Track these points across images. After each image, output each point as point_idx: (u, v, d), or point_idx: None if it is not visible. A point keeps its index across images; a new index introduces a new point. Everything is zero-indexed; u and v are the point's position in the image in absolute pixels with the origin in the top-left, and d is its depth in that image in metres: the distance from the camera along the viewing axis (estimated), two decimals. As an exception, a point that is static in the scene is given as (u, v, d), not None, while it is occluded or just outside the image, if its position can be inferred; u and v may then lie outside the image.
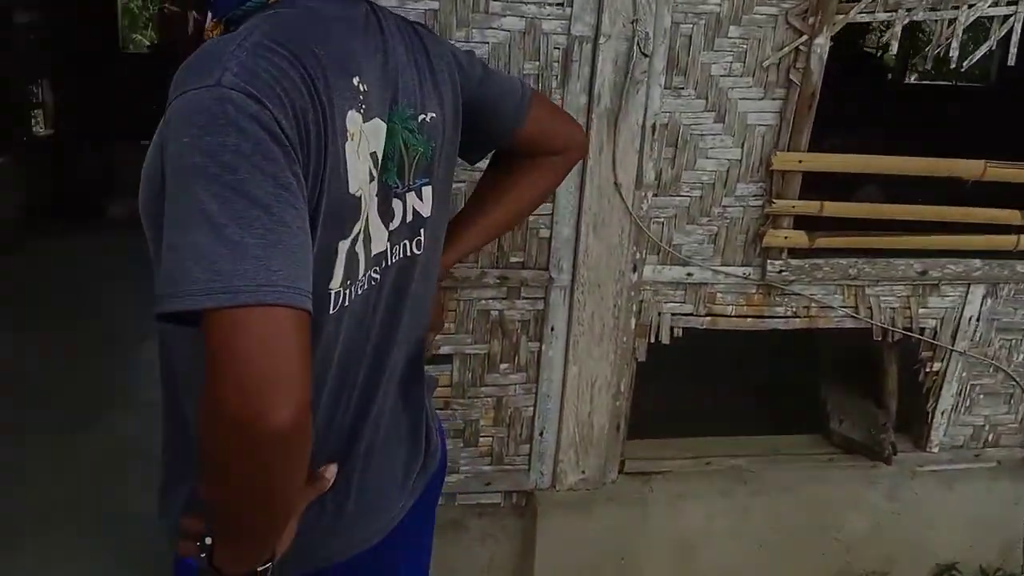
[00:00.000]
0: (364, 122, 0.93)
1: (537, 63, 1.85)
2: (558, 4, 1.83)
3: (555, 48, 1.85)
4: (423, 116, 1.06)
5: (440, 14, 1.77)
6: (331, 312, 0.96)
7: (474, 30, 1.80)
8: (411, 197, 1.07)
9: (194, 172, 0.78)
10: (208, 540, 0.91)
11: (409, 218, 1.08)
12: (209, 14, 0.98)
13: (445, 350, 2.05)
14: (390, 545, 1.17)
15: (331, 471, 1.04)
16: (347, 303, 0.99)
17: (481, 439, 2.17)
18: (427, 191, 1.09)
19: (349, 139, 0.90)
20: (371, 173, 0.96)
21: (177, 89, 0.83)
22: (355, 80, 0.93)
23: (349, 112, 0.91)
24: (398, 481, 1.18)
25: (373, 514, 1.15)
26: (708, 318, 2.15)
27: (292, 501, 0.90)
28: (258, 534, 0.88)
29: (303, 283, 0.80)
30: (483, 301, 2.03)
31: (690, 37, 1.91)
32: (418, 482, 1.23)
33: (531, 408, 2.15)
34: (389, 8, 1.09)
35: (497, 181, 1.40)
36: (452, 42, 1.50)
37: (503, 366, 2.09)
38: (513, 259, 2.01)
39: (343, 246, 0.94)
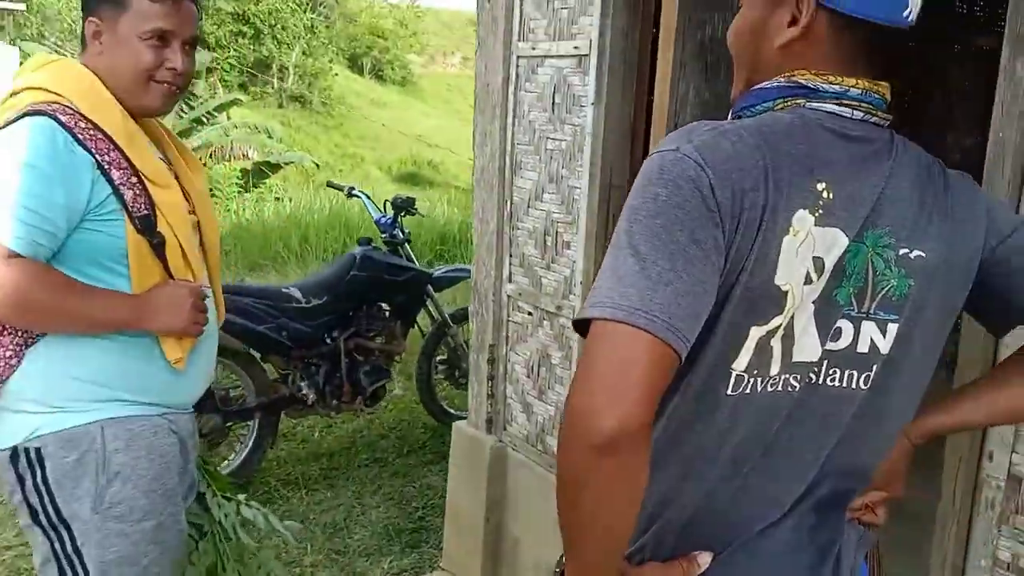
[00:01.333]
0: (815, 225, 0.95)
1: None
2: None
3: None
4: (907, 250, 1.02)
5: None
6: (728, 392, 0.99)
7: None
8: (868, 327, 1.03)
9: (629, 210, 0.92)
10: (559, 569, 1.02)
11: (861, 348, 1.03)
12: (731, 112, 1.08)
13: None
14: None
15: (704, 558, 1.03)
16: (750, 392, 0.99)
17: None
18: (892, 328, 1.04)
19: (791, 234, 0.94)
20: (809, 276, 0.96)
21: (651, 151, 0.96)
22: (819, 185, 0.96)
23: (800, 210, 0.94)
24: None
25: None
26: None
27: (620, 534, 0.92)
28: (588, 560, 0.93)
29: (681, 324, 0.88)
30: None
31: None
32: None
33: None
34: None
35: None
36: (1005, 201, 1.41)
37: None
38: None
39: (755, 332, 0.96)
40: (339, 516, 3.34)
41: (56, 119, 1.48)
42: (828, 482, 1.07)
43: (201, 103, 13.54)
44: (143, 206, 1.56)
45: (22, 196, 1.43)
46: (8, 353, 1.52)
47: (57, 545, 1.57)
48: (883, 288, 1.02)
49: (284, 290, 3.61)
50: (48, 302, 1.48)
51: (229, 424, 3.45)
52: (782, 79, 1.01)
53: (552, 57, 2.53)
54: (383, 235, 4.02)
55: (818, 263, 0.97)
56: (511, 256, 2.75)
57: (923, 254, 1.03)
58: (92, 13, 1.60)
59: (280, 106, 23.36)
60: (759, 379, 0.99)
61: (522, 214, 2.70)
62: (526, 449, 2.77)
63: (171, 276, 1.62)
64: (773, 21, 1.03)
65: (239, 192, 11.10)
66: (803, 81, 1.00)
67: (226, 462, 3.51)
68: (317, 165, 15.01)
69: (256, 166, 13.10)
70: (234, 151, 14.54)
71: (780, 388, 1.00)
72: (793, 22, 1.01)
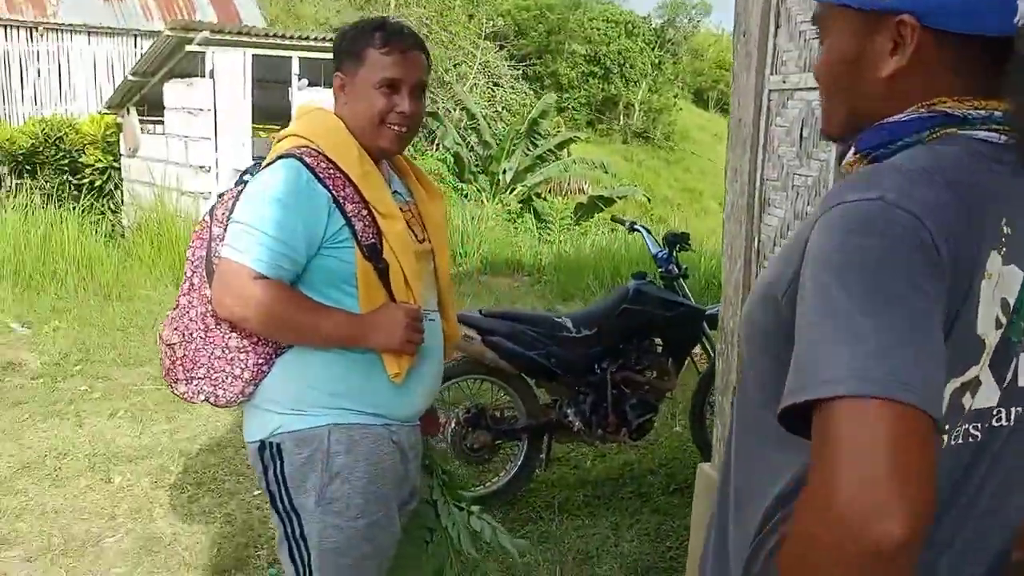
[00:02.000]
0: (1003, 265, 0.91)
1: None
2: None
3: None
4: None
5: None
6: None
7: None
8: None
9: (836, 271, 0.81)
10: None
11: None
12: (852, 148, 1.00)
13: None
14: None
15: None
16: (941, 449, 0.92)
17: None
18: None
19: (986, 278, 0.89)
20: (999, 320, 0.92)
21: (830, 202, 0.87)
22: (1002, 221, 0.90)
23: (992, 252, 0.89)
24: None
25: None
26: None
27: None
28: None
29: (936, 391, 0.79)
30: None
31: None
32: None
33: None
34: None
35: None
36: None
37: None
38: None
39: (951, 386, 0.90)
40: (592, 545, 3.40)
41: (303, 161, 1.73)
42: (1007, 531, 0.99)
43: (544, 140, 14.47)
44: (371, 235, 1.76)
45: (269, 226, 1.69)
46: (261, 360, 1.78)
47: (288, 529, 1.81)
48: None
49: (557, 319, 3.77)
50: (286, 317, 1.72)
51: (498, 442, 3.68)
52: (923, 110, 0.93)
53: (802, 90, 2.41)
54: (659, 270, 4.04)
55: (1005, 305, 0.91)
56: (758, 296, 2.65)
57: None
58: (338, 69, 1.86)
59: (624, 142, 24.17)
60: (946, 435, 0.92)
61: (768, 252, 2.59)
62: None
63: (393, 299, 1.79)
64: (872, 50, 0.95)
65: (570, 225, 11.68)
66: (948, 110, 0.92)
67: (496, 477, 3.73)
68: (648, 199, 15.26)
69: (591, 200, 13.69)
70: (571, 185, 15.35)
71: (962, 441, 0.94)
72: (895, 48, 0.93)
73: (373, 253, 1.76)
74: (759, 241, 2.63)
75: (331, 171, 1.75)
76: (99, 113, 9.27)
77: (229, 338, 1.77)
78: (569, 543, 3.41)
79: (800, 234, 0.92)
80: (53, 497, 3.46)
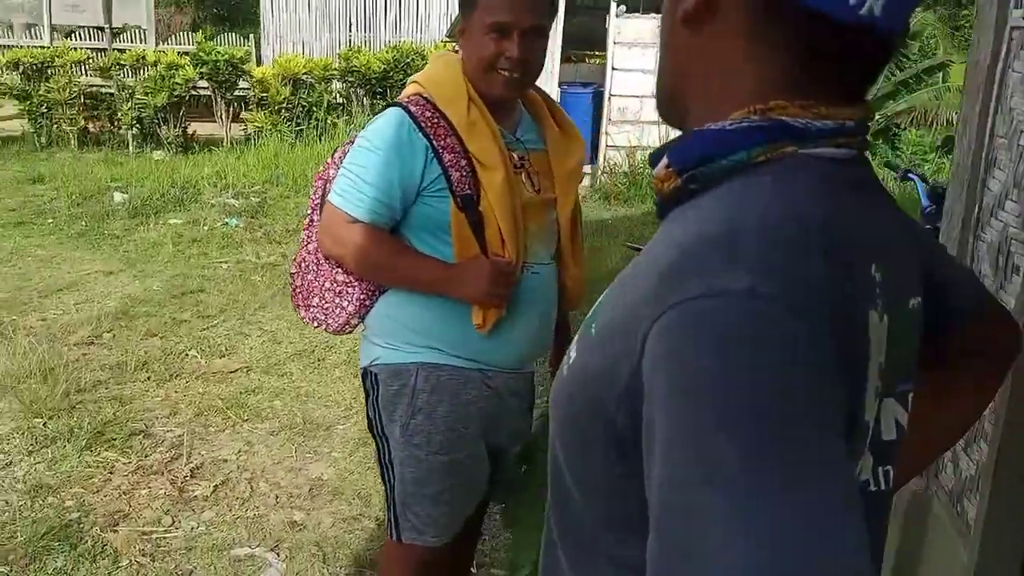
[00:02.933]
0: (879, 321, 0.73)
1: None
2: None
3: None
4: (913, 300, 0.84)
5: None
6: None
7: None
8: (891, 406, 0.81)
9: (712, 412, 0.58)
10: None
11: (889, 435, 0.81)
12: (664, 160, 0.76)
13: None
14: None
15: None
16: None
17: None
18: (911, 400, 0.84)
19: (872, 358, 0.72)
20: (877, 390, 0.75)
21: (675, 289, 0.64)
22: (872, 268, 0.72)
23: (871, 313, 0.71)
24: None
25: None
26: None
27: None
28: None
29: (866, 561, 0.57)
30: None
31: None
32: None
33: None
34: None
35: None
36: None
37: None
38: None
39: None
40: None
41: (407, 110, 1.80)
42: None
43: (914, 63, 13.01)
44: (467, 186, 1.79)
45: (367, 174, 1.79)
46: (363, 295, 1.92)
47: (381, 453, 1.96)
48: (902, 354, 0.80)
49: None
50: (377, 260, 1.83)
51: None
52: (756, 116, 0.71)
53: (1041, 27, 1.98)
54: (926, 227, 3.56)
55: (882, 369, 0.75)
56: (977, 268, 2.26)
57: (918, 298, 0.84)
58: (460, 14, 1.90)
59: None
60: None
61: (984, 223, 2.19)
62: (946, 505, 2.29)
63: (486, 251, 1.82)
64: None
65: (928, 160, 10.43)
66: (789, 120, 0.71)
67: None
68: None
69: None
70: (938, 116, 13.62)
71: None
72: None
73: (468, 204, 1.79)
74: (979, 209, 2.23)
75: (435, 120, 1.79)
76: (441, 41, 10.03)
77: (336, 272, 1.92)
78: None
79: (635, 312, 0.67)
80: (309, 382, 4.01)
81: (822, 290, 0.64)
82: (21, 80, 9.25)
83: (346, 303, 1.93)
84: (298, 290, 2.00)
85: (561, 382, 0.79)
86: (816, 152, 0.72)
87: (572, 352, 0.78)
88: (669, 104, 0.80)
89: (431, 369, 1.86)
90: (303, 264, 1.98)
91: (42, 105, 9.18)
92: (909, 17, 0.73)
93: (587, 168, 8.75)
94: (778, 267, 0.63)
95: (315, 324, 1.98)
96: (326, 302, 1.95)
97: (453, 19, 9.71)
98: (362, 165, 1.79)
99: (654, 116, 8.31)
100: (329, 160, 1.97)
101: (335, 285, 1.93)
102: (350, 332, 2.00)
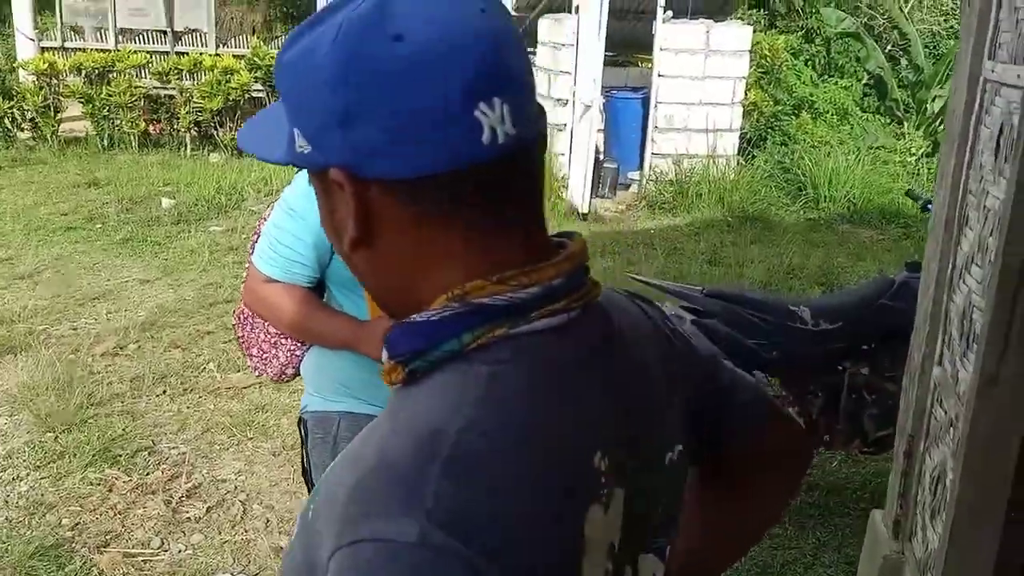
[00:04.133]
0: (606, 512, 0.70)
1: None
2: None
3: None
4: (671, 453, 0.81)
5: None
6: None
7: None
8: (649, 562, 0.80)
9: None
10: None
11: None
12: (384, 351, 0.73)
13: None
14: None
15: None
16: None
17: None
18: (668, 551, 0.83)
19: (586, 553, 0.67)
20: (607, 572, 0.71)
21: (355, 516, 0.62)
22: (595, 458, 0.69)
23: (591, 508, 0.68)
24: None
25: None
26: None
27: None
28: None
29: None
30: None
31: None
32: None
33: None
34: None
35: (709, 502, 1.02)
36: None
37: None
38: None
39: None
40: (779, 560, 3.12)
41: None
42: None
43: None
44: None
45: (283, 235, 1.82)
46: (293, 347, 1.99)
47: None
48: (658, 510, 0.81)
49: (792, 307, 3.38)
50: (292, 318, 1.86)
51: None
52: (455, 304, 0.68)
53: (1007, 86, 1.87)
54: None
55: (611, 549, 0.72)
56: (944, 333, 2.16)
57: (681, 446, 0.83)
58: None
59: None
60: None
61: (956, 283, 2.09)
62: (919, 573, 2.20)
63: None
64: (338, 216, 0.72)
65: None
66: (486, 300, 0.68)
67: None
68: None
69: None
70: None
71: None
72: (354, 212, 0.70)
73: None
74: (952, 267, 2.12)
75: None
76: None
77: (269, 325, 1.95)
78: (755, 552, 3.16)
79: (325, 524, 0.65)
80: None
81: (511, 525, 0.62)
82: (84, 84, 9.58)
83: (280, 353, 1.98)
84: (241, 340, 2.04)
85: (284, 556, 0.78)
86: (530, 328, 0.69)
87: (296, 527, 0.77)
88: (385, 308, 0.80)
89: (352, 418, 1.89)
90: (241, 316, 2.03)
91: (104, 108, 9.48)
92: (536, 121, 0.70)
93: (634, 175, 8.64)
94: (459, 509, 0.60)
95: (257, 372, 2.04)
96: (263, 352, 2.00)
97: None
98: (279, 226, 1.82)
99: (702, 124, 8.21)
100: (267, 211, 2.00)
101: (269, 336, 1.99)
102: (288, 381, 2.04)
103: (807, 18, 11.69)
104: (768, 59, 9.50)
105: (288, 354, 1.98)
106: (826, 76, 12.34)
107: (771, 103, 9.39)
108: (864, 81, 11.67)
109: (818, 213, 8.18)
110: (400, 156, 0.65)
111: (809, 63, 10.97)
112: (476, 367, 0.68)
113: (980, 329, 1.85)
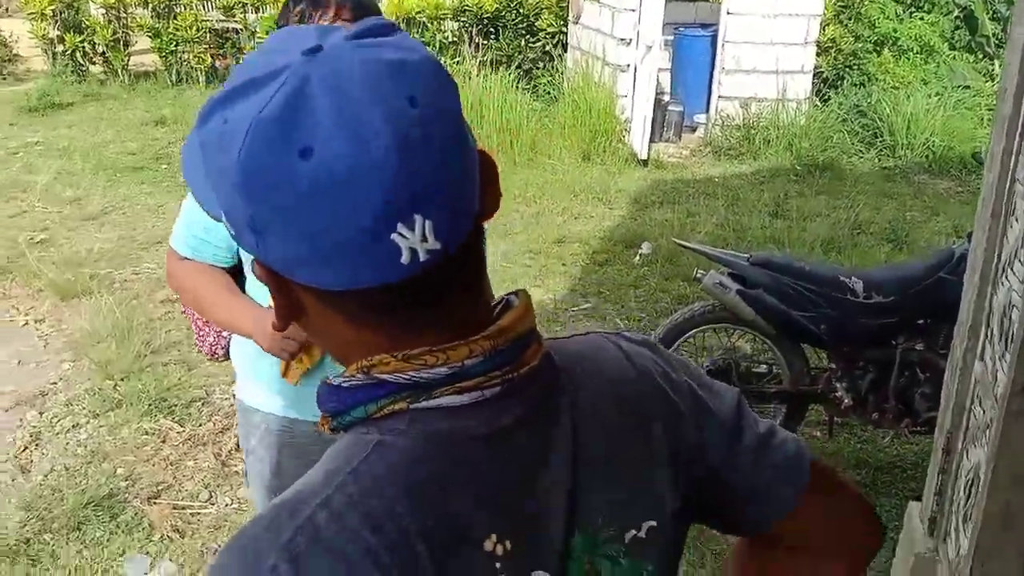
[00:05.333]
0: None
1: None
2: None
3: None
4: (635, 532, 0.77)
5: None
6: None
7: None
8: None
9: None
10: None
11: None
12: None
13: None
14: None
15: None
16: None
17: None
18: None
19: None
20: None
21: (220, 562, 0.67)
22: (487, 543, 0.69)
23: None
24: None
25: None
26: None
27: None
28: None
29: None
30: None
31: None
32: None
33: None
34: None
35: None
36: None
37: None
38: None
39: None
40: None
41: None
42: None
43: None
44: None
45: (187, 214, 1.83)
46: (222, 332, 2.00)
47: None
48: None
49: (843, 278, 3.27)
50: (197, 297, 1.86)
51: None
52: (362, 375, 0.69)
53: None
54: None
55: None
56: (987, 327, 2.06)
57: (654, 522, 0.78)
58: None
59: None
60: None
61: (1000, 277, 1.98)
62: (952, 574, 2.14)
63: None
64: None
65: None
66: (388, 376, 0.68)
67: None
68: None
69: None
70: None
71: None
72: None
73: None
74: (999, 259, 2.01)
75: None
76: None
77: None
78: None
79: None
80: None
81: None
82: (152, 17, 9.67)
83: (210, 332, 2.02)
84: (184, 313, 2.17)
85: None
86: (432, 404, 0.69)
87: None
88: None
89: (269, 420, 1.89)
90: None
91: (171, 42, 9.58)
92: (468, 215, 0.67)
93: (700, 118, 8.40)
94: (320, 560, 0.63)
95: (197, 348, 2.11)
96: (199, 328, 2.05)
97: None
98: (189, 206, 1.83)
99: (772, 65, 7.88)
100: None
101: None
102: (220, 360, 2.09)
103: (893, -52, 11.04)
104: (849, -9, 9.02)
105: (216, 335, 2.01)
106: (913, 9, 11.69)
107: (851, 40, 8.95)
108: (954, 15, 11.01)
109: (894, 161, 7.82)
110: (316, 272, 0.64)
111: (893, -5, 10.38)
112: (371, 434, 0.69)
113: (1017, 331, 1.76)
